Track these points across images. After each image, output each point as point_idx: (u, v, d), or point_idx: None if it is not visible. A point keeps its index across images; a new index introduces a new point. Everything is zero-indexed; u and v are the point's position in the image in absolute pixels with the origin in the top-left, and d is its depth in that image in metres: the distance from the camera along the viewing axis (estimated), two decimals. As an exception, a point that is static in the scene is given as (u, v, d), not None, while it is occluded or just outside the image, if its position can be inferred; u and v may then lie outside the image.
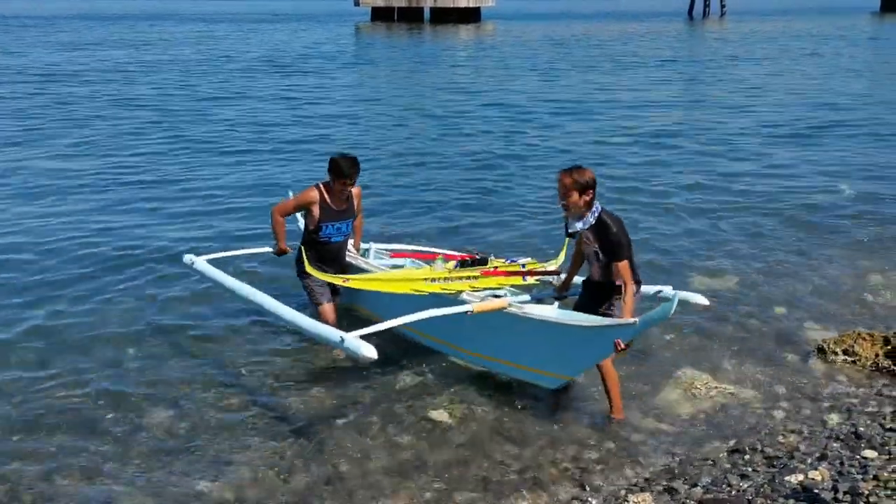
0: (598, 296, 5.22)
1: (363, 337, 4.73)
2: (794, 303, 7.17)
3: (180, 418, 5.19)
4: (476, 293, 5.51)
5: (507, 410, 5.33)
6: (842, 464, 4.54)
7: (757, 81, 23.48)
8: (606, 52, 28.13)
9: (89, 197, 10.68)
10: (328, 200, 5.97)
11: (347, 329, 4.98)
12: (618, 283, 5.05)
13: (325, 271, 5.93)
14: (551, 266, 6.12)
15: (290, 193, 6.79)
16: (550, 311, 5.30)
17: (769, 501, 4.18)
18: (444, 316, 5.11)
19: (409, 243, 7.78)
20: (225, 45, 31.40)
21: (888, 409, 5.24)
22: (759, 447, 4.84)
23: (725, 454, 4.82)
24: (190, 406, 5.35)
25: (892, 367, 5.82)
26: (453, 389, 5.56)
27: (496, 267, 5.87)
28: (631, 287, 4.96)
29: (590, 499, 4.43)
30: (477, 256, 6.01)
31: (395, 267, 6.45)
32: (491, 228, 9.54)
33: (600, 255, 5.08)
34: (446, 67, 24.36)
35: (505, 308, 5.19)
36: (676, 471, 4.65)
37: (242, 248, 6.95)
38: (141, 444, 4.91)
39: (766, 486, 4.39)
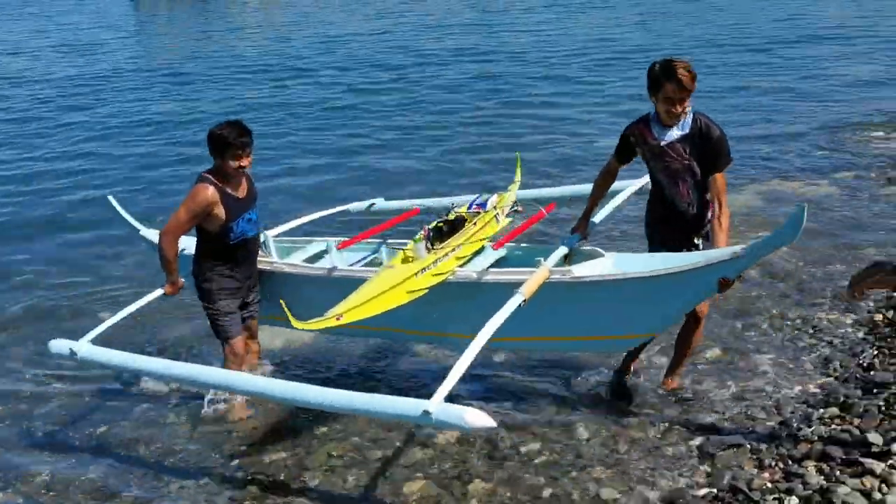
0: (689, 228, 4.21)
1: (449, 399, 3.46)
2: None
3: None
4: (468, 270, 4.36)
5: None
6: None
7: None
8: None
9: None
10: (228, 191, 4.55)
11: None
12: (709, 213, 4.13)
13: (241, 284, 4.67)
14: (512, 189, 5.15)
15: (111, 198, 5.40)
16: (609, 266, 4.20)
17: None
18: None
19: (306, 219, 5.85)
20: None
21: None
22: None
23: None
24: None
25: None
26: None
27: (475, 223, 4.62)
28: (727, 205, 4.05)
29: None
30: (450, 217, 4.65)
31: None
32: (398, 178, 9.10)
33: (696, 170, 4.11)
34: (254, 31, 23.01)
35: (548, 278, 4.08)
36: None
37: (124, 308, 4.79)
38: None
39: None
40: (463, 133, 11.18)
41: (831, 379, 4.58)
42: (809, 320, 5.32)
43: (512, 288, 3.89)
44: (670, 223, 4.24)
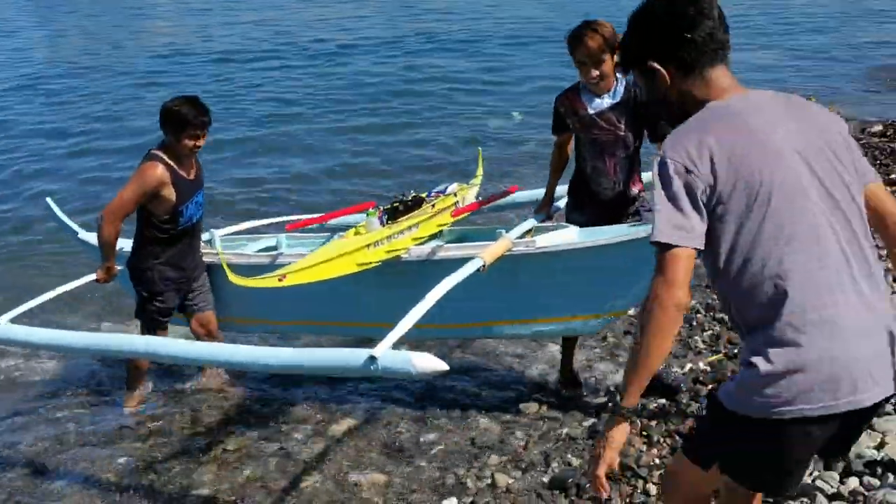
0: (616, 206, 3.99)
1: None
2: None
3: None
4: (423, 246, 4.12)
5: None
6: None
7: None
8: None
9: None
10: (179, 172, 4.25)
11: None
12: (635, 189, 4.01)
13: (185, 274, 4.45)
14: (475, 182, 4.99)
15: (50, 200, 5.13)
16: (574, 236, 3.96)
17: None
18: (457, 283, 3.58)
19: (258, 217, 5.81)
20: None
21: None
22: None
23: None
24: None
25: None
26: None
27: (434, 204, 4.42)
28: None
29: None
30: (407, 199, 4.44)
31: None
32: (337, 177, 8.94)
33: (629, 142, 3.90)
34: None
35: (511, 249, 3.85)
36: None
37: (48, 291, 4.56)
38: None
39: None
40: (411, 126, 10.94)
41: (721, 356, 4.71)
42: (703, 300, 5.46)
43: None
44: (595, 203, 4.02)
